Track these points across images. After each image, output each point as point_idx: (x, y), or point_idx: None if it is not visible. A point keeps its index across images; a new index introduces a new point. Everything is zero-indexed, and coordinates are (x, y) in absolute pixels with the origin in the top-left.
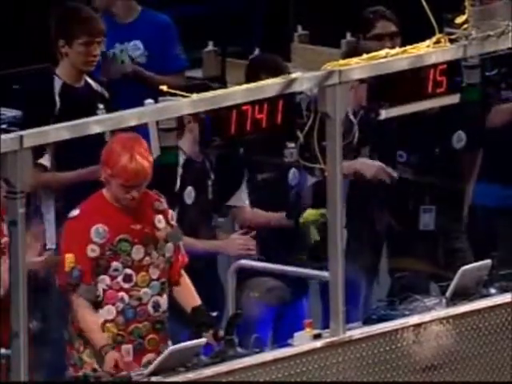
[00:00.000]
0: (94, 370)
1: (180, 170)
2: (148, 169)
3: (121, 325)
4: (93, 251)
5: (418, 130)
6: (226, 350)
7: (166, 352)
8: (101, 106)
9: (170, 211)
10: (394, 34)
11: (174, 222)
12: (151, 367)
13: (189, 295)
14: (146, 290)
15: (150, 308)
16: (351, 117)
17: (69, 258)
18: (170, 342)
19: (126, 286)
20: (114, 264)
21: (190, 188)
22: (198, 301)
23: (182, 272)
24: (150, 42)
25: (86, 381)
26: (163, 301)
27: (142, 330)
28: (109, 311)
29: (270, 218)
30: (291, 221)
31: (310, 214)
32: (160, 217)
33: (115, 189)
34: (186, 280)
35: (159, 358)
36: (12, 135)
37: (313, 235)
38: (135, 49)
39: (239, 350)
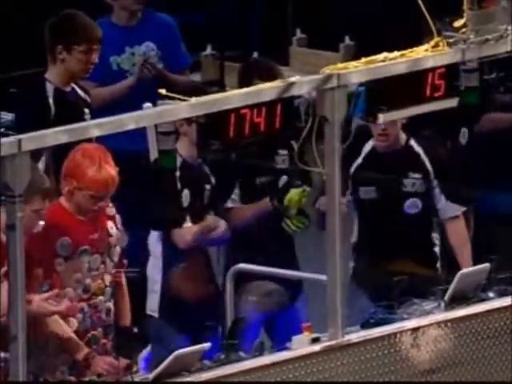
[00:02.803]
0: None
1: (177, 173)
2: (116, 178)
3: (81, 334)
4: (59, 265)
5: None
6: (228, 355)
7: (172, 356)
8: (86, 110)
9: (117, 216)
10: None
11: (120, 226)
12: (156, 371)
13: (123, 310)
14: (101, 297)
15: (103, 314)
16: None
17: (37, 272)
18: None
19: (85, 296)
20: (76, 276)
21: (186, 191)
22: (127, 320)
23: (123, 281)
24: (161, 42)
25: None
26: (112, 305)
27: (97, 337)
28: (71, 323)
29: (255, 208)
30: (275, 202)
31: (294, 193)
32: (111, 223)
33: (82, 200)
34: (123, 291)
35: (165, 363)
36: (10, 139)
37: (294, 224)
38: (149, 50)
39: (241, 354)
